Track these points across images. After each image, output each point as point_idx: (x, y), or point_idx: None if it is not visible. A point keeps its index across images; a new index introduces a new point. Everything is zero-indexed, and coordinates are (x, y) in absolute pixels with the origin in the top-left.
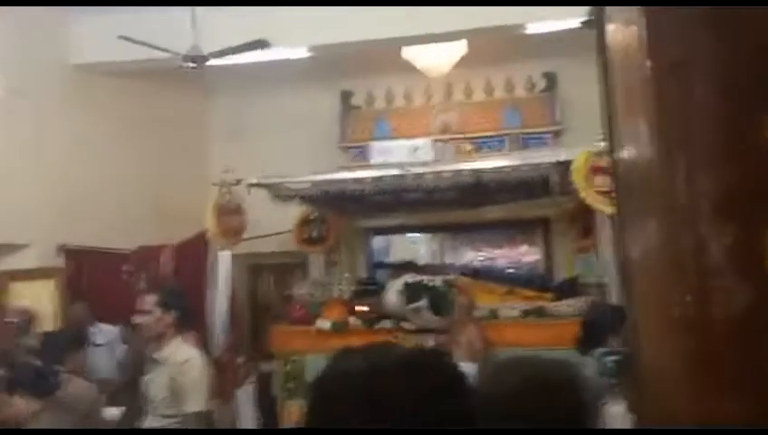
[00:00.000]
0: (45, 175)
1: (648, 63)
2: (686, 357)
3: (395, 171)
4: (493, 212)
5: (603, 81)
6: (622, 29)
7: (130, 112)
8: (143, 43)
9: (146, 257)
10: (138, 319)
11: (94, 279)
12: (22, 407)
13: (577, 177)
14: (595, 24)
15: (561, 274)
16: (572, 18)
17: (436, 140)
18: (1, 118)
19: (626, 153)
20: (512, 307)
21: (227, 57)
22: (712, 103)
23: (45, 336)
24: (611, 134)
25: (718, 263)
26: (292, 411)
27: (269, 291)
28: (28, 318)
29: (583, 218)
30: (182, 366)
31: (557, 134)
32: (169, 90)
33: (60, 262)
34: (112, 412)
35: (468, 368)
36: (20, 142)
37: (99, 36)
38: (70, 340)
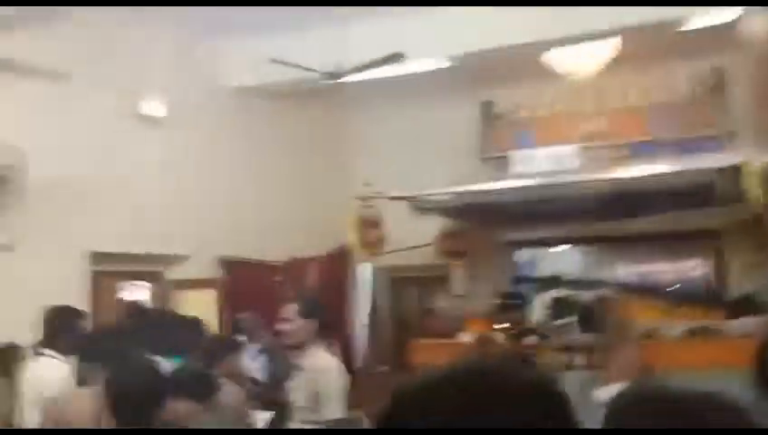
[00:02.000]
0: (206, 190)
1: None
2: None
3: (538, 181)
4: (649, 223)
5: None
6: None
7: (281, 130)
8: (290, 64)
9: (295, 269)
10: (280, 327)
11: (248, 289)
12: (182, 410)
13: (750, 183)
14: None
15: (735, 291)
16: (736, 7)
17: (582, 148)
18: (166, 138)
19: None
20: (674, 326)
21: (366, 72)
22: None
23: (203, 341)
24: None
25: None
26: None
27: (412, 303)
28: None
29: (760, 230)
30: (320, 374)
31: (722, 138)
32: (315, 108)
33: (218, 272)
34: (263, 416)
35: None
36: (183, 160)
37: (253, 60)
38: (224, 345)
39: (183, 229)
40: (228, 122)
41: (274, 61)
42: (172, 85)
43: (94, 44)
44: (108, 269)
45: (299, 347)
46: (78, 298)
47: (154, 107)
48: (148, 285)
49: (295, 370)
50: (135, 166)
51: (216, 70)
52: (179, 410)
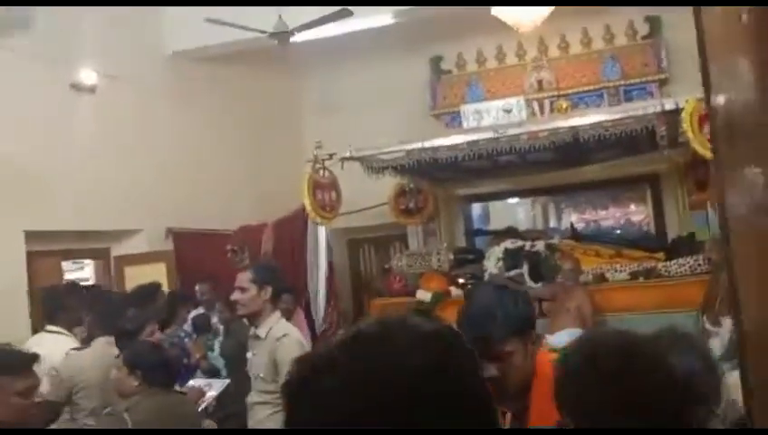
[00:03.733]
0: (149, 161)
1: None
2: None
3: (488, 135)
4: (595, 171)
5: (698, 22)
6: None
7: (225, 96)
8: (229, 24)
9: (247, 236)
10: (234, 296)
11: (200, 260)
12: (130, 388)
13: (687, 125)
14: None
15: (674, 232)
16: None
17: (530, 99)
18: (105, 106)
19: (722, 98)
20: (620, 269)
21: (313, 30)
22: None
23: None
24: (706, 79)
25: None
26: None
27: (369, 264)
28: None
29: (697, 171)
30: (278, 342)
31: (663, 83)
32: (260, 70)
33: (168, 245)
34: (217, 385)
35: (578, 335)
36: (124, 130)
37: (192, 23)
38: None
39: (126, 203)
40: (168, 89)
41: (211, 21)
42: (106, 52)
43: (20, 10)
44: (48, 249)
45: (255, 316)
46: (16, 280)
47: (87, 75)
48: (90, 262)
49: (252, 340)
50: (71, 138)
51: (152, 34)
52: (127, 387)
